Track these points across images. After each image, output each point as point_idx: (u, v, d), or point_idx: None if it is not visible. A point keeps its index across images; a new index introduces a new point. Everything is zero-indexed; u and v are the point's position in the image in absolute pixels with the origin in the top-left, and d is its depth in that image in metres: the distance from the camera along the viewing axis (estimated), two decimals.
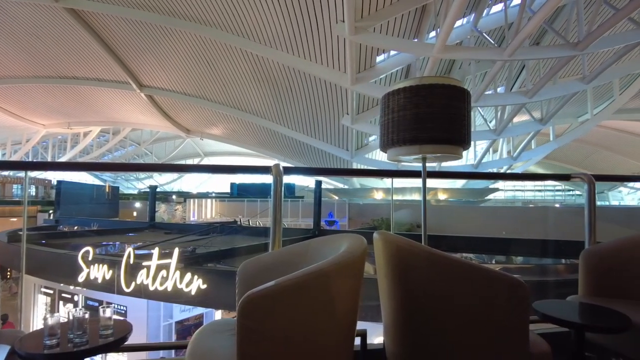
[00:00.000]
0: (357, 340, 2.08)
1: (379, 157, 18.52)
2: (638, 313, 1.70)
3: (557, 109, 15.03)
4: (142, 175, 44.01)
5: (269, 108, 16.88)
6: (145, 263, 4.89)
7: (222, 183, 38.41)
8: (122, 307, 8.49)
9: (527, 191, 36.16)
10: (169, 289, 4.85)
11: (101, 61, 16.27)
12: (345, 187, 27.51)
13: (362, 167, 18.20)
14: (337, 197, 26.50)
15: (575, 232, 2.80)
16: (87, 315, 1.43)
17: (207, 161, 39.00)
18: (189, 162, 38.51)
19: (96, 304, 8.60)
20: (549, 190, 35.14)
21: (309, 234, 9.92)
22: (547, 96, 13.27)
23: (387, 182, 22.99)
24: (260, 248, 7.53)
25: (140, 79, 17.53)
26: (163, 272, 4.81)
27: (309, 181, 29.02)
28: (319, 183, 11.43)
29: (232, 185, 27.59)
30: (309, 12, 10.66)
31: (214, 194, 32.07)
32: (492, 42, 10.91)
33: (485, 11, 11.23)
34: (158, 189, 36.13)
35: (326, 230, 12.49)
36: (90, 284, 5.52)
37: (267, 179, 2.15)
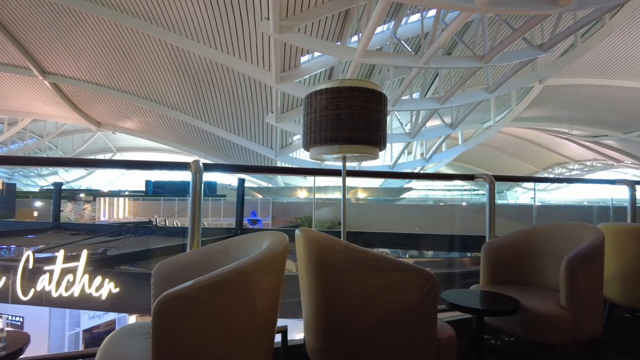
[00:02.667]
0: (278, 337, 2.10)
1: (303, 156, 18.70)
2: (526, 297, 1.93)
3: (465, 115, 16.39)
4: (44, 171, 39.68)
5: (189, 102, 16.20)
6: (47, 267, 4.41)
7: (136, 180, 36.06)
8: (17, 318, 7.64)
9: (437, 190, 38.93)
10: (76, 294, 4.44)
11: None
12: (270, 185, 27.38)
13: (286, 165, 18.25)
14: (260, 196, 26.27)
15: (478, 227, 3.08)
16: None
17: (119, 157, 36.37)
18: (100, 157, 35.60)
19: None
20: (457, 190, 38.18)
21: (231, 233, 9.72)
22: (457, 103, 14.41)
23: (310, 180, 23.32)
24: (177, 249, 7.21)
25: (43, 65, 15.78)
26: (69, 277, 4.39)
27: (231, 179, 28.42)
28: (241, 181, 11.25)
29: (148, 182, 26.00)
30: (233, 6, 10.42)
31: (127, 192, 29.99)
32: (410, 49, 11.57)
33: (404, 20, 11.87)
34: (64, 187, 32.86)
35: (249, 229, 12.32)
36: None
37: (186, 176, 2.07)
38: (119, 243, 8.36)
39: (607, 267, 2.06)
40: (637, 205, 3.40)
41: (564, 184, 38.35)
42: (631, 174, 32.47)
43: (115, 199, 23.70)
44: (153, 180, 25.75)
